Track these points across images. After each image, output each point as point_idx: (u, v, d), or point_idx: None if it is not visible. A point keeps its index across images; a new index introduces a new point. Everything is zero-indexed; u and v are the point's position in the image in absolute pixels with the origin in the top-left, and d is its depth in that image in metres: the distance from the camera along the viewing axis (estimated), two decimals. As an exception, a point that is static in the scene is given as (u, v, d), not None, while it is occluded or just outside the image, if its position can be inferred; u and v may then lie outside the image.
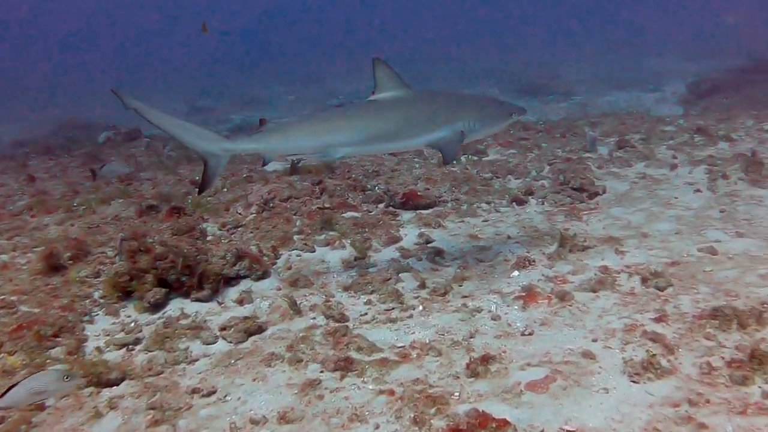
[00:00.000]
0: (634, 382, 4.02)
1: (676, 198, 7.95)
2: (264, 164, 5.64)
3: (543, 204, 8.24)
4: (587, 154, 10.49)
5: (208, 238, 7.45)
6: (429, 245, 6.95)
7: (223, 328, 5.26)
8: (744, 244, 6.22)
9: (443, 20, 70.57)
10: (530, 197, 8.47)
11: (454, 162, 6.04)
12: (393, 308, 5.50)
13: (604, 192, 8.48)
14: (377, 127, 5.49)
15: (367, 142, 5.51)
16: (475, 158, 10.65)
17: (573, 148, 10.97)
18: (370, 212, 8.13)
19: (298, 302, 5.63)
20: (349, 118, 5.71)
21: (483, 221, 7.71)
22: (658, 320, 4.79)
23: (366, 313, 5.46)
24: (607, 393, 3.93)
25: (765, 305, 4.83)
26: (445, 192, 8.72)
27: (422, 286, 5.87)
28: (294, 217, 7.92)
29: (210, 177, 5.54)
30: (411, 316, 5.33)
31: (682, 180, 8.74)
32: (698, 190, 8.15)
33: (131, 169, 11.54)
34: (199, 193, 6.08)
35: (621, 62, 33.35)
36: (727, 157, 9.52)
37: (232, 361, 4.80)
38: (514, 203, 8.26)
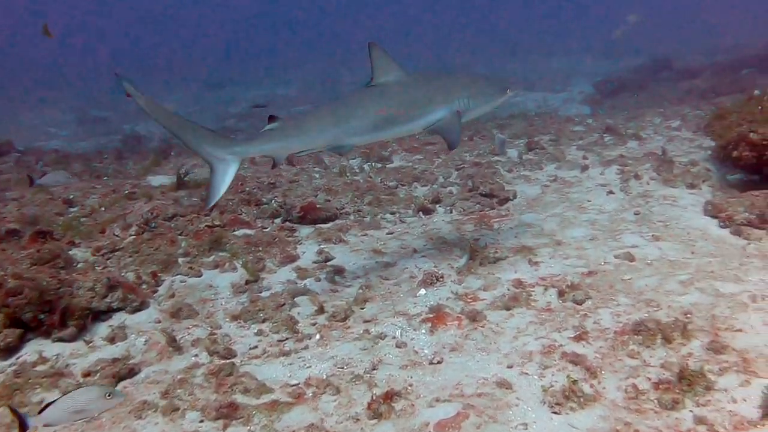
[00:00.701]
0: (555, 413, 3.69)
1: (589, 201, 7.82)
2: (274, 166, 5.50)
3: (451, 212, 7.94)
4: (496, 158, 10.32)
5: (78, 266, 6.68)
6: (329, 263, 6.49)
7: (87, 374, 4.64)
8: (661, 248, 6.09)
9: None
10: (438, 205, 8.15)
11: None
12: (287, 338, 5.02)
13: (514, 197, 8.27)
14: (381, 113, 5.41)
15: (374, 129, 5.43)
16: (379, 165, 10.27)
17: (481, 152, 10.78)
18: (265, 229, 7.58)
19: (178, 337, 5.06)
20: (354, 107, 5.55)
21: (387, 234, 7.31)
22: (577, 339, 4.50)
23: (256, 346, 4.94)
24: (527, 430, 3.57)
25: (688, 315, 4.65)
26: (347, 203, 8.28)
27: (320, 310, 5.40)
28: (179, 237, 7.26)
29: (217, 186, 5.22)
30: (307, 347, 4.85)
31: (594, 182, 8.66)
32: (611, 192, 8.06)
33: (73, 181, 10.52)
34: (206, 205, 5.70)
35: (528, 63, 34.20)
36: (638, 157, 9.55)
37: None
38: (420, 213, 7.92)
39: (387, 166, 10.30)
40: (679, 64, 25.26)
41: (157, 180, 10.03)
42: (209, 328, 5.27)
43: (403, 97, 5.47)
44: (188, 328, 5.29)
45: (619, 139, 11.05)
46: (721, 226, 6.56)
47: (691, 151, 9.80)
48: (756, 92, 9.33)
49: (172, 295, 5.95)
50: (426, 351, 4.61)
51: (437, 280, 5.76)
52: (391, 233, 7.31)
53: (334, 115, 5.51)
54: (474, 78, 6.29)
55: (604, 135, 11.44)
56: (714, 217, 6.79)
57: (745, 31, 34.93)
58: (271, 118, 5.30)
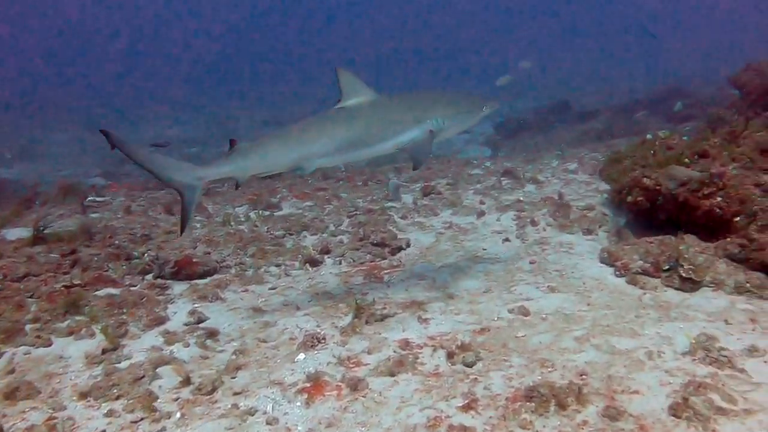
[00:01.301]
0: (438, 501, 3.34)
1: (484, 249, 7.67)
2: (237, 187, 5.77)
3: (340, 264, 7.59)
4: (390, 204, 10.09)
5: None
6: (201, 325, 5.97)
7: None
8: (557, 300, 5.94)
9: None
10: (326, 256, 7.80)
11: (422, 165, 5.97)
12: (141, 419, 4.45)
13: (407, 246, 8.02)
14: (348, 134, 5.56)
15: (340, 151, 5.56)
16: (267, 213, 9.82)
17: (375, 198, 10.55)
18: (133, 287, 6.96)
19: (8, 425, 4.40)
20: (319, 129, 5.69)
21: (270, 289, 6.87)
22: (466, 408, 4.19)
23: (104, 431, 4.36)
24: None
25: (583, 376, 4.44)
26: (228, 255, 7.79)
27: (185, 382, 4.88)
28: (29, 300, 6.54)
29: (188, 211, 5.54)
30: (164, 429, 4.32)
31: (490, 228, 8.54)
32: (507, 240, 7.95)
33: None
34: (181, 231, 5.84)
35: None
36: (535, 201, 9.55)
37: None
38: (307, 264, 7.53)
39: (275, 213, 9.88)
40: (578, 106, 26.23)
41: (14, 233, 9.19)
42: (50, 411, 4.64)
43: (373, 118, 5.63)
44: (24, 412, 4.64)
45: (517, 182, 11.09)
46: (617, 275, 6.50)
47: (587, 195, 9.90)
48: (648, 136, 9.56)
49: (11, 371, 5.27)
50: (300, 428, 4.19)
51: (319, 342, 5.35)
52: (274, 288, 6.87)
53: (299, 137, 5.64)
54: (448, 95, 6.31)
55: (502, 178, 11.47)
56: (610, 265, 6.74)
57: (639, 75, 36.96)
58: (233, 142, 5.50)
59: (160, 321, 6.08)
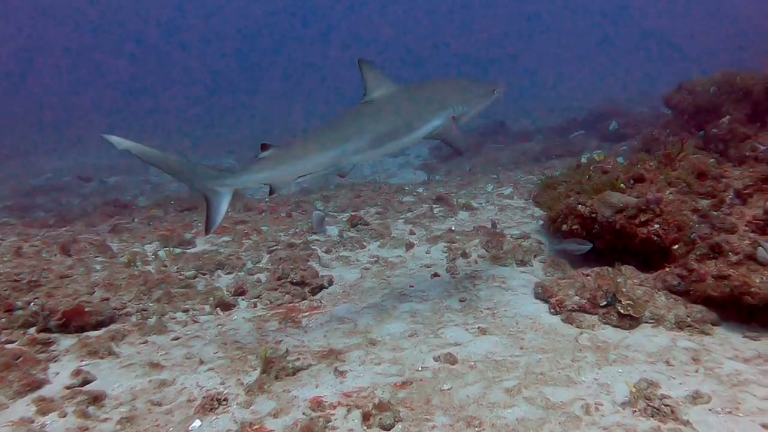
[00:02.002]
0: None
1: (411, 287, 7.24)
2: (271, 193, 5.61)
3: (255, 306, 7.05)
4: (314, 237, 9.59)
5: None
6: (86, 388, 5.32)
7: None
8: (487, 344, 5.55)
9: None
10: (241, 298, 7.25)
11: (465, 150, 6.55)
12: None
13: (330, 284, 7.55)
14: (379, 128, 5.61)
15: (373, 146, 5.59)
16: (179, 251, 9.17)
17: (299, 230, 10.03)
18: (11, 343, 6.21)
19: None
20: (352, 125, 5.70)
21: (173, 339, 6.25)
22: (380, 484, 3.72)
23: None
24: None
25: (514, 437, 4.03)
26: (129, 301, 7.13)
27: (56, 463, 4.26)
28: None
29: (213, 216, 5.51)
30: None
31: (419, 262, 8.15)
32: (436, 275, 7.56)
33: None
34: (206, 233, 5.83)
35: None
36: (468, 231, 9.21)
37: None
38: (218, 309, 6.96)
39: (188, 251, 9.22)
40: (515, 126, 26.33)
41: None
42: None
43: (401, 109, 5.71)
44: None
45: (450, 210, 10.75)
46: (552, 313, 6.17)
47: (522, 221, 9.64)
48: (583, 159, 9.36)
49: None
50: None
51: (220, 403, 4.80)
52: (178, 338, 6.25)
53: (331, 135, 5.62)
54: (462, 82, 6.36)
55: (435, 206, 11.13)
56: (545, 300, 6.41)
57: (578, 94, 37.54)
58: (264, 147, 5.43)
59: (36, 385, 5.35)
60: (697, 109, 12.23)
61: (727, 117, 11.38)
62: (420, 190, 13.15)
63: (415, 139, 5.84)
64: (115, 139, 4.96)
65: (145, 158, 5.18)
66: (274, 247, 9.00)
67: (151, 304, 7.04)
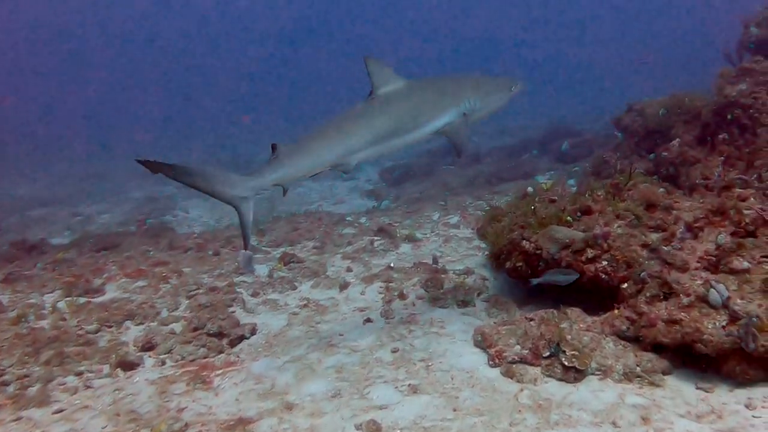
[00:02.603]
0: None
1: (341, 335, 6.67)
2: (285, 193, 5.59)
3: (163, 364, 6.37)
4: (242, 278, 8.95)
5: None
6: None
7: None
8: (417, 406, 5.01)
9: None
10: (147, 355, 6.57)
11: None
12: None
13: (252, 333, 6.94)
14: (385, 124, 5.61)
15: (379, 142, 5.61)
16: (83, 301, 8.31)
17: (225, 271, 9.36)
18: None
19: None
20: (357, 121, 5.69)
21: (55, 413, 5.47)
22: None
23: None
24: None
25: None
26: (11, 366, 6.29)
27: None
28: None
29: (247, 224, 5.49)
30: None
31: (353, 305, 7.59)
32: (369, 320, 7.00)
33: None
34: (245, 248, 5.81)
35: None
36: (407, 268, 8.68)
37: None
38: (119, 369, 6.26)
39: (95, 299, 8.38)
40: (468, 147, 25.97)
41: None
42: None
43: (408, 105, 5.69)
44: None
45: (392, 242, 10.23)
46: (491, 365, 5.65)
47: (467, 254, 9.15)
48: (529, 189, 8.91)
49: None
50: None
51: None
52: (61, 411, 5.48)
53: (338, 132, 5.64)
54: (477, 78, 6.29)
55: (376, 238, 10.60)
56: (484, 349, 5.89)
57: (531, 113, 37.57)
58: (274, 147, 5.43)
59: None
60: (647, 132, 11.93)
61: (677, 140, 11.08)
62: (363, 220, 12.57)
63: (422, 135, 5.80)
64: (149, 163, 4.87)
65: (173, 177, 5.17)
66: (195, 292, 8.29)
67: (37, 369, 6.23)
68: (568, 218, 7.06)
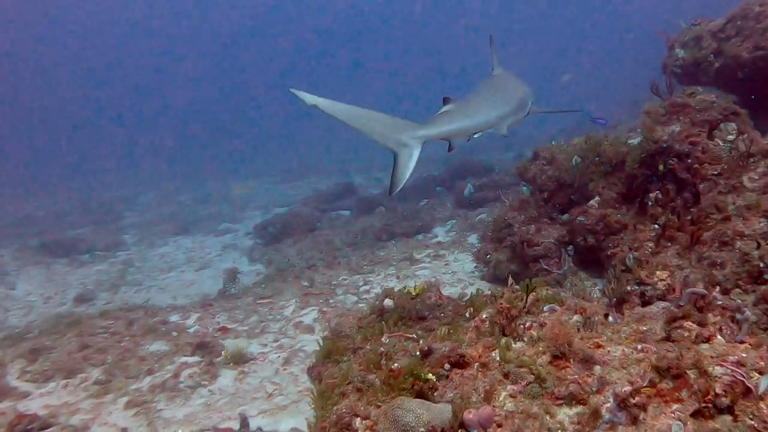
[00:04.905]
0: None
1: None
2: (450, 149, 6.06)
3: None
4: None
5: None
6: None
7: None
8: None
9: None
10: None
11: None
12: None
13: None
14: (513, 99, 6.90)
15: (513, 113, 6.71)
16: None
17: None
18: None
19: None
20: (500, 93, 7.04)
21: None
22: None
23: None
24: None
25: None
26: None
27: None
28: None
29: (402, 172, 5.52)
30: None
31: None
32: None
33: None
34: (390, 192, 5.74)
35: (195, 192, 30.90)
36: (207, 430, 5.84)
37: None
38: None
39: None
40: (363, 191, 23.48)
41: None
42: None
43: (518, 87, 7.30)
44: None
45: (208, 369, 7.37)
46: None
47: (300, 399, 6.38)
48: (387, 303, 6.28)
49: None
50: None
51: None
52: None
53: (494, 97, 6.70)
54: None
55: (190, 359, 7.70)
56: None
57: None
58: (446, 100, 5.85)
59: None
60: (558, 185, 9.45)
61: (596, 198, 8.67)
62: (192, 319, 9.52)
63: (524, 115, 7.10)
64: (302, 94, 5.05)
65: (333, 113, 5.20)
66: None
67: None
68: (429, 376, 4.46)
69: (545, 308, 4.98)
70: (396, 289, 6.54)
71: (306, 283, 10.97)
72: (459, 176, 20.16)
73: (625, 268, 7.47)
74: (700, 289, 4.84)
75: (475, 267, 10.88)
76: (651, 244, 7.61)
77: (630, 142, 8.80)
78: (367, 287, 10.51)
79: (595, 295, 7.51)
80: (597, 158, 8.92)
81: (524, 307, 4.99)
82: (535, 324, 4.77)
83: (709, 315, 4.58)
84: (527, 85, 7.58)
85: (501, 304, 4.93)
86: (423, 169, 25.76)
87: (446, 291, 9.80)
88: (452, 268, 11.11)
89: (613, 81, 40.33)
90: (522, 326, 4.81)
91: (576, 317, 4.81)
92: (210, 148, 50.40)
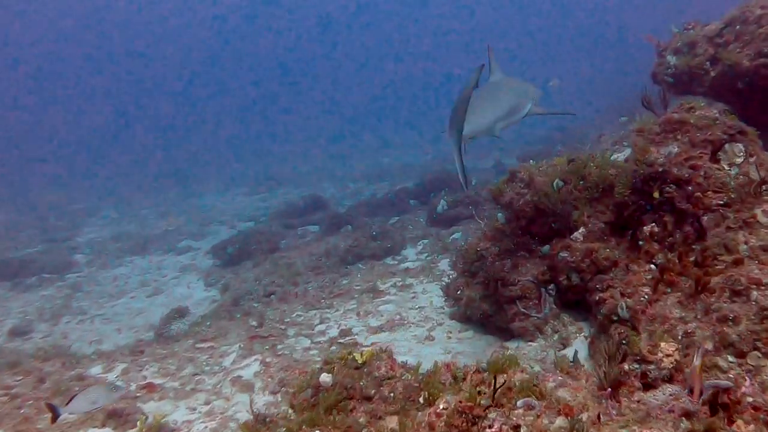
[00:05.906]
0: None
1: None
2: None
3: None
4: None
5: None
6: None
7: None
8: None
9: None
10: None
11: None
12: None
13: None
14: (509, 102, 7.08)
15: (507, 116, 6.91)
16: None
17: None
18: None
19: None
20: (495, 96, 7.14)
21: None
22: None
23: None
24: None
25: None
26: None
27: None
28: None
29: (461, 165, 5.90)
30: None
31: None
32: None
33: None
34: (466, 188, 6.30)
35: (159, 206, 29.49)
36: None
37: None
38: None
39: None
40: (335, 206, 22.23)
41: None
42: None
43: (514, 91, 7.34)
44: None
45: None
46: None
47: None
48: (324, 378, 5.06)
49: None
50: None
51: None
52: None
53: (486, 104, 6.78)
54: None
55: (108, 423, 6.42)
56: None
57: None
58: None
59: None
60: (538, 211, 8.24)
61: (581, 230, 7.49)
62: (113, 375, 8.15)
63: (522, 115, 7.23)
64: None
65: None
66: None
67: None
68: None
69: (519, 403, 3.78)
70: (338, 356, 5.31)
71: (254, 323, 9.70)
72: (435, 188, 18.96)
73: (618, 318, 6.32)
74: (724, 381, 3.64)
75: (445, 301, 9.67)
76: (647, 290, 6.41)
77: (615, 157, 7.66)
78: (323, 327, 9.28)
79: (581, 355, 6.31)
80: (581, 182, 7.74)
81: (492, 400, 3.78)
82: (504, 428, 3.56)
83: (739, 422, 3.39)
84: (532, 86, 7.78)
85: (460, 402, 3.71)
86: (397, 181, 24.60)
87: (410, 333, 8.60)
88: (419, 302, 9.90)
89: (599, 88, 39.51)
90: (488, 430, 3.60)
91: (560, 420, 3.60)
92: (179, 158, 48.82)
